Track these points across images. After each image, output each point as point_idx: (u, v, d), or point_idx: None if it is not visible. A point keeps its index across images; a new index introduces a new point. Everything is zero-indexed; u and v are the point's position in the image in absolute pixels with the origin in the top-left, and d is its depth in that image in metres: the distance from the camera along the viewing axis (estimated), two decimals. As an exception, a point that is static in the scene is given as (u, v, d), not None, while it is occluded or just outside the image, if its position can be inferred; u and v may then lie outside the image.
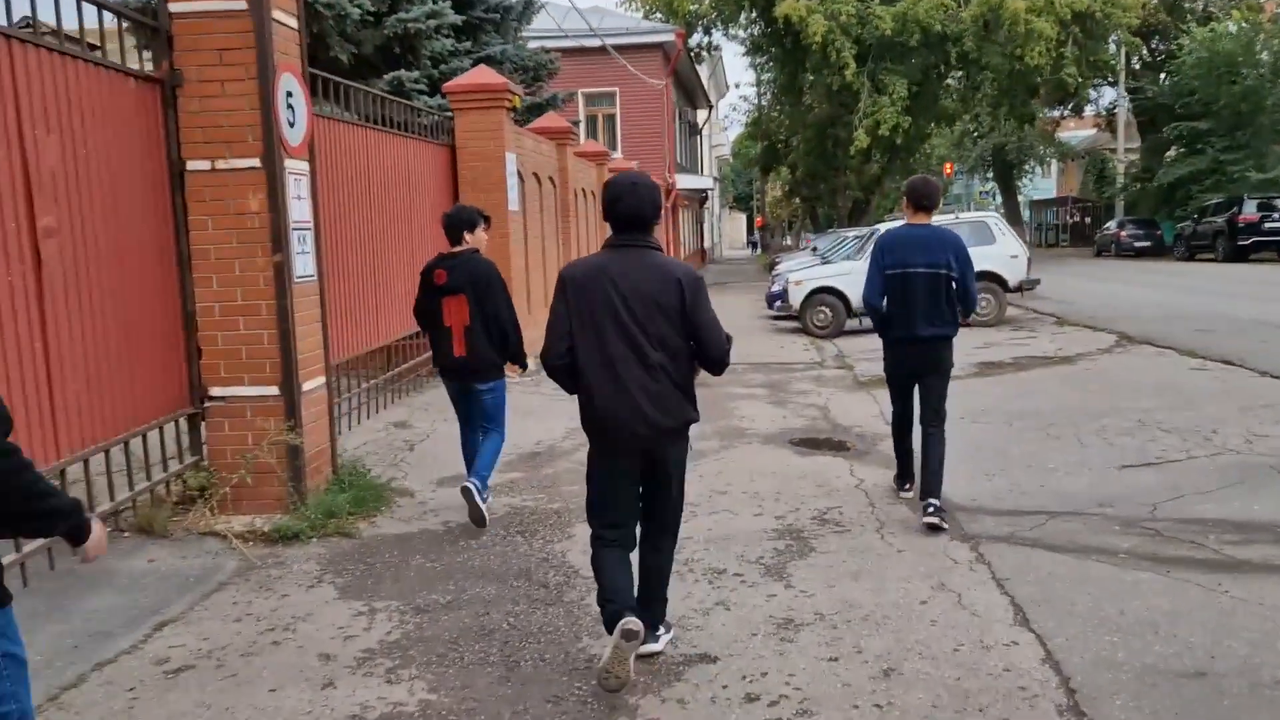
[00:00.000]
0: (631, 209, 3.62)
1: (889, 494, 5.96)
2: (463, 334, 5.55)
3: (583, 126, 28.71)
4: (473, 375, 5.62)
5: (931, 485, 5.35)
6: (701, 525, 5.49)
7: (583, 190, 16.69)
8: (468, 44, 14.28)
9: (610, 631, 3.48)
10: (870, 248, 14.72)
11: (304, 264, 5.88)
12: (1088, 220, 48.31)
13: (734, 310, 19.79)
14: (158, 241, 5.50)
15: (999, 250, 14.90)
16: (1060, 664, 3.58)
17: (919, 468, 5.54)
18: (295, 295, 5.74)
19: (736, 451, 7.39)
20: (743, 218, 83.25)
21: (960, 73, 32.56)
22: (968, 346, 12.52)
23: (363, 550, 5.28)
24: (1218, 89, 32.74)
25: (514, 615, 4.28)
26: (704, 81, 41.67)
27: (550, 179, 14.14)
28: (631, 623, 3.42)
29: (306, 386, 5.87)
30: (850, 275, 14.90)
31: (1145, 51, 37.85)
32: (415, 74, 12.30)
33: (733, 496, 6.08)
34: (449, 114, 10.98)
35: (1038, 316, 15.75)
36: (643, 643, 3.53)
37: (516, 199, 11.31)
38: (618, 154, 27.84)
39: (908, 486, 5.91)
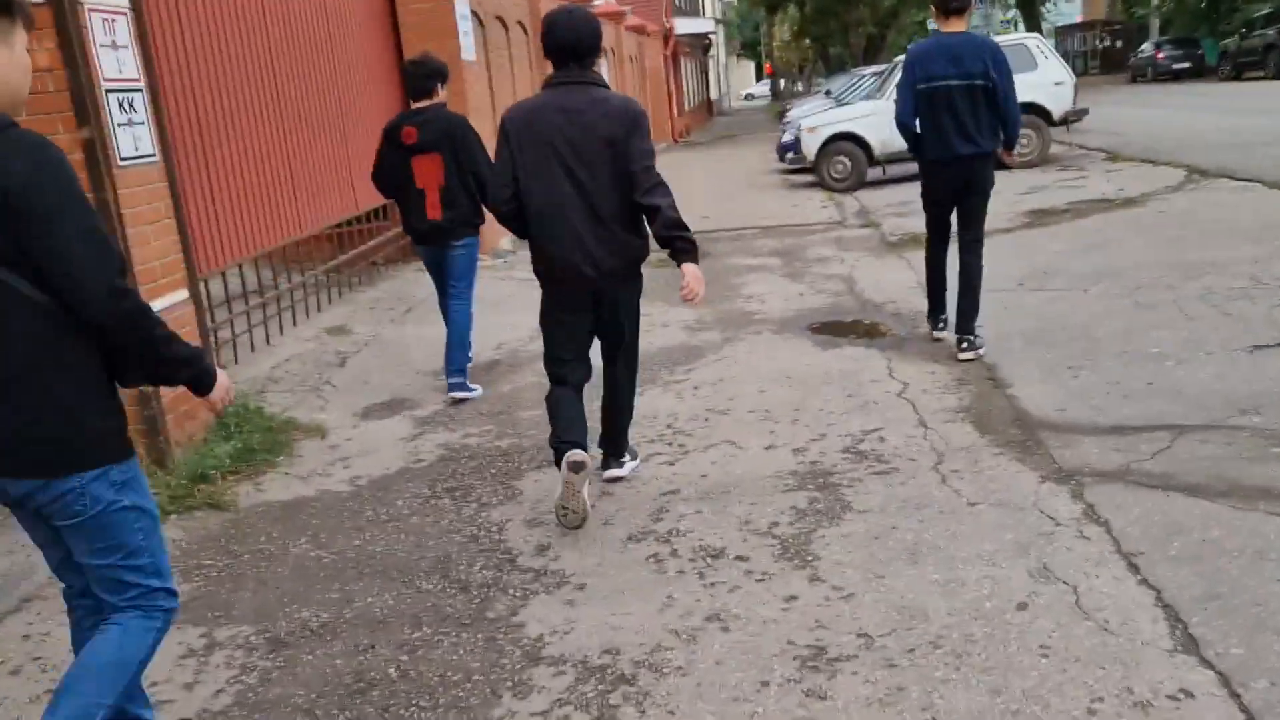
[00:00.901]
0: (566, 37, 3.47)
1: (944, 405, 4.48)
2: (439, 195, 5.15)
3: (569, -30, 26.09)
4: (448, 235, 5.25)
5: (969, 313, 5.15)
6: (695, 468, 4.05)
7: (563, 37, 14.70)
8: None
9: (559, 466, 3.51)
10: (891, 83, 12.96)
11: (133, 139, 4.29)
12: (1118, 44, 45.04)
13: (741, 165, 18.01)
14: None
15: (1042, 77, 12.90)
16: (1279, 743, 2.15)
17: (955, 295, 5.23)
18: (122, 183, 4.18)
19: (742, 346, 5.89)
20: (751, 65, 79.32)
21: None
22: (1011, 192, 10.79)
23: (233, 531, 3.88)
24: (1269, -118, 29.40)
25: (409, 649, 2.89)
26: (701, -86, 38.32)
27: (520, 24, 12.23)
28: (576, 454, 3.45)
29: (157, 306, 4.37)
30: (871, 118, 13.05)
31: None
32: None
33: (736, 417, 4.62)
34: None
35: (1085, 153, 13.84)
36: (604, 469, 3.95)
37: (472, 47, 9.51)
38: (607, -2, 25.36)
39: (941, 324, 5.51)
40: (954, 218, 5.34)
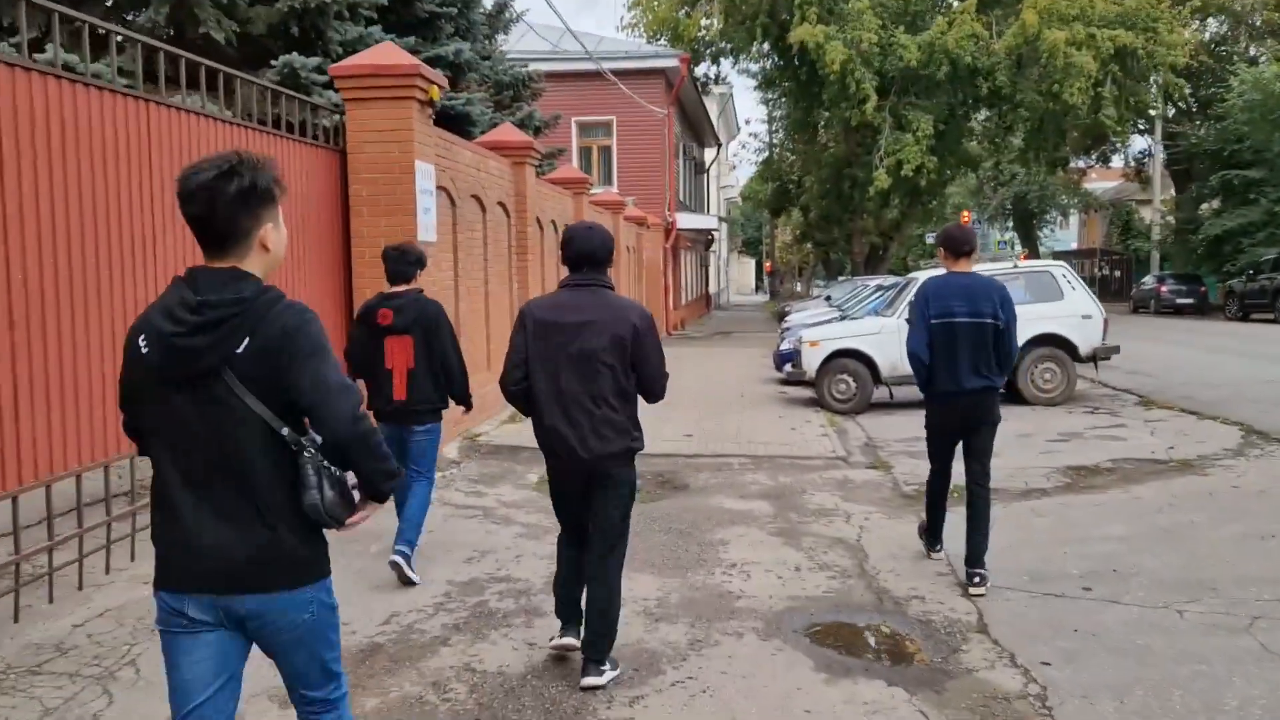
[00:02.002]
0: (583, 248, 3.92)
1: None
2: (405, 376, 5.26)
3: (575, 158, 25.83)
4: (411, 418, 5.31)
5: (979, 549, 5.12)
6: None
7: (552, 223, 13.69)
8: (411, 40, 11.37)
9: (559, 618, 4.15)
10: (903, 301, 11.83)
11: None
12: (1117, 274, 45.30)
13: (735, 369, 16.68)
14: None
15: (1068, 308, 11.80)
16: None
17: (966, 530, 5.20)
18: None
19: (715, 659, 4.25)
20: (751, 262, 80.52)
21: (990, 111, 29.70)
22: (1041, 437, 9.41)
23: None
24: (1271, 135, 29.74)
25: None
26: (713, 120, 38.92)
27: (501, 205, 11.13)
28: (565, 643, 4.09)
29: None
30: (880, 336, 11.83)
31: (1185, 96, 34.69)
32: (315, 60, 9.33)
33: (695, 825, 2.94)
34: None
35: (1114, 393, 12.57)
36: (584, 675, 3.92)
37: (433, 226, 8.27)
38: (611, 187, 24.94)
39: (938, 549, 5.56)
40: (959, 448, 5.39)
